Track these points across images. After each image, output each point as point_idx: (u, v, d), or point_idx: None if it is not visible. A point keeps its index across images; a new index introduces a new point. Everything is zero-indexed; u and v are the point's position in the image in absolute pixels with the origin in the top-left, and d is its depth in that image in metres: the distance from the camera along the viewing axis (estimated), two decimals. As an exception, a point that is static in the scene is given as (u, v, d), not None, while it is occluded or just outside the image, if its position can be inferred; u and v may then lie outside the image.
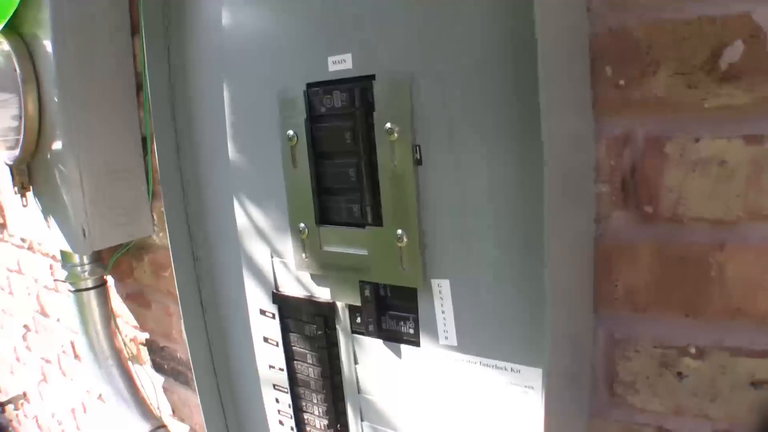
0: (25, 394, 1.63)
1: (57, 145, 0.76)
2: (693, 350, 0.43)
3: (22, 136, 0.78)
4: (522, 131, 0.39)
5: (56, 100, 0.74)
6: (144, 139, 0.84)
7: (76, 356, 1.25)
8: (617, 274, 0.45)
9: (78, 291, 0.94)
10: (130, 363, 1.03)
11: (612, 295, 0.45)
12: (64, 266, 0.94)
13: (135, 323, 1.01)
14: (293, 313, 0.55)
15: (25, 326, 1.47)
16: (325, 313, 0.52)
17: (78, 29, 0.75)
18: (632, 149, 0.43)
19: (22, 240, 1.31)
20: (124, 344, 1.03)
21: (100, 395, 1.17)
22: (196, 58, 0.59)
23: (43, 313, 1.34)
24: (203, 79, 0.59)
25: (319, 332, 0.52)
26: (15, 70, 0.76)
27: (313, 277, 0.53)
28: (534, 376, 0.40)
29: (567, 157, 0.40)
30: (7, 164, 0.84)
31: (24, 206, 0.87)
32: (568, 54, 0.41)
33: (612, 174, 0.44)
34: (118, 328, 1.02)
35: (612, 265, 0.45)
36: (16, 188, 0.85)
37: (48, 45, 0.73)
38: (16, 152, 0.80)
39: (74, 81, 0.75)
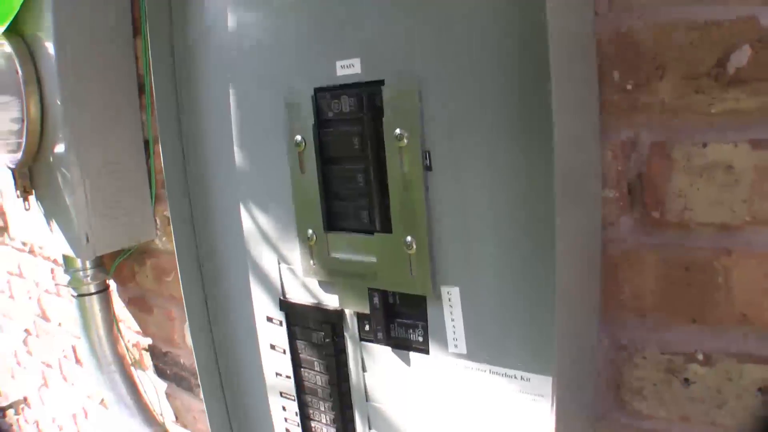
0: (25, 399, 1.62)
1: (59, 148, 0.76)
2: (700, 357, 0.43)
3: (24, 139, 0.78)
4: (531, 137, 0.38)
5: (58, 102, 0.74)
6: (146, 142, 0.84)
7: (78, 361, 1.25)
8: (624, 279, 0.45)
9: (80, 296, 0.93)
10: (132, 368, 1.02)
11: (619, 301, 0.45)
12: (66, 271, 0.93)
13: (137, 328, 1.00)
14: (300, 320, 0.55)
15: (26, 330, 1.46)
16: (332, 321, 0.52)
17: (80, 31, 0.75)
18: (639, 154, 0.43)
19: (23, 244, 1.31)
20: (127, 349, 1.02)
21: (102, 400, 1.16)
22: (201, 61, 0.58)
23: (44, 318, 1.33)
24: (209, 83, 0.58)
25: (327, 340, 0.52)
26: (17, 72, 0.75)
27: (320, 284, 0.52)
28: (544, 384, 0.40)
29: (577, 164, 0.40)
30: (9, 167, 0.83)
31: (26, 210, 0.87)
32: (578, 59, 0.41)
33: (618, 179, 0.44)
34: (120, 333, 1.01)
35: (618, 270, 0.45)
36: (18, 192, 0.85)
37: (50, 47, 0.73)
38: (18, 155, 0.80)
39: (76, 83, 0.75)
